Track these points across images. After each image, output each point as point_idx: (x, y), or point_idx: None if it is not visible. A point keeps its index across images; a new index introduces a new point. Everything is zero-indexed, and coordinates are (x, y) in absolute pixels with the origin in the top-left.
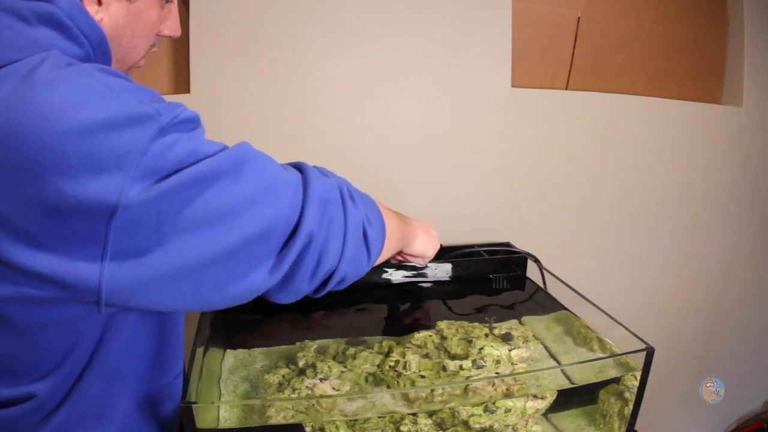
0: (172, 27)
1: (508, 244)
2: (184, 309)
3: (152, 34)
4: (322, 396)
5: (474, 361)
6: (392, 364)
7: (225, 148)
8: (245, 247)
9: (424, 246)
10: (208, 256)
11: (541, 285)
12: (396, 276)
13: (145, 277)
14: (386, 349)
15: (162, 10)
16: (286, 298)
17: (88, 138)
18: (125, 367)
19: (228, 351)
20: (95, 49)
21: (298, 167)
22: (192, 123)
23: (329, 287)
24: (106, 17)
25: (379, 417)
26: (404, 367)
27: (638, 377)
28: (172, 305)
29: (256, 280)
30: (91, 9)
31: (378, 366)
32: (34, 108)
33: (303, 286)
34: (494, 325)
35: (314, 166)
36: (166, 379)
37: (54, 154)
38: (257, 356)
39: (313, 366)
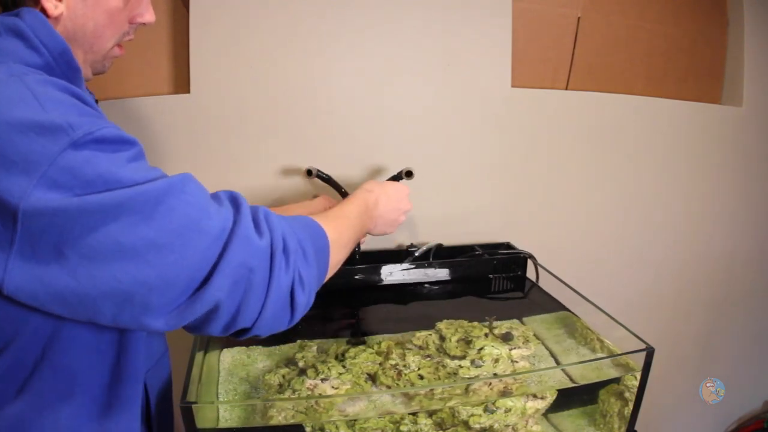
0: (143, 14)
1: (508, 245)
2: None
3: (119, 21)
4: (322, 396)
5: (473, 361)
6: (392, 364)
7: (151, 179)
8: (140, 292)
9: (378, 232)
10: (101, 290)
11: (540, 283)
12: (396, 276)
13: (41, 290)
14: (386, 349)
15: None
16: (198, 335)
17: (1, 137)
18: (82, 370)
19: (227, 351)
20: (56, 58)
21: (235, 208)
22: (115, 144)
23: (245, 337)
24: (65, 10)
25: (379, 417)
26: (404, 368)
27: (638, 377)
28: (72, 318)
29: (152, 326)
30: (50, 5)
31: (379, 365)
32: None
33: (214, 334)
34: (494, 324)
35: (256, 211)
36: (125, 390)
37: None
38: (257, 356)
39: (314, 366)
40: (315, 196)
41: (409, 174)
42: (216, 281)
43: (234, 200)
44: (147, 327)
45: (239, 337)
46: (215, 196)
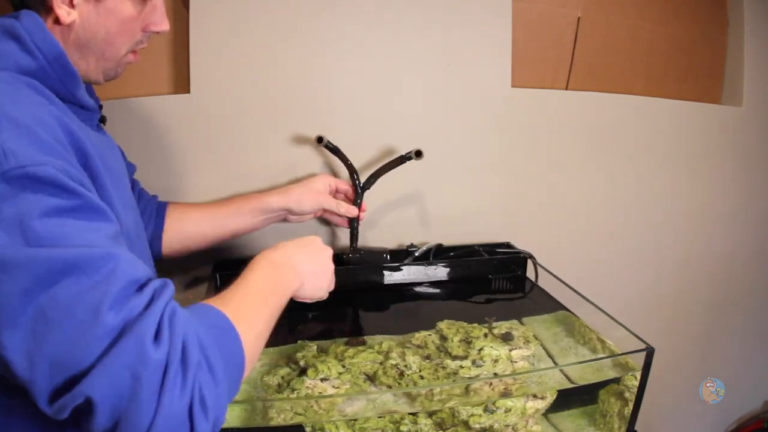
0: (157, 23)
1: (508, 245)
2: None
3: (132, 30)
4: (322, 396)
5: (474, 361)
6: (392, 364)
7: (68, 245)
8: (22, 366)
9: (309, 293)
10: None
11: (540, 283)
12: (396, 276)
13: None
14: (386, 350)
15: (141, 6)
16: None
17: None
18: None
19: None
20: (50, 62)
21: (149, 301)
22: (49, 187)
23: None
24: (78, 18)
25: (379, 417)
26: (404, 368)
27: (638, 377)
28: None
29: (42, 408)
30: (62, 12)
31: (379, 365)
32: None
33: None
34: (494, 325)
35: (164, 309)
36: None
37: None
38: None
39: (314, 366)
40: (335, 175)
41: (418, 154)
42: (92, 377)
43: (158, 292)
44: (41, 408)
45: None
46: (144, 284)
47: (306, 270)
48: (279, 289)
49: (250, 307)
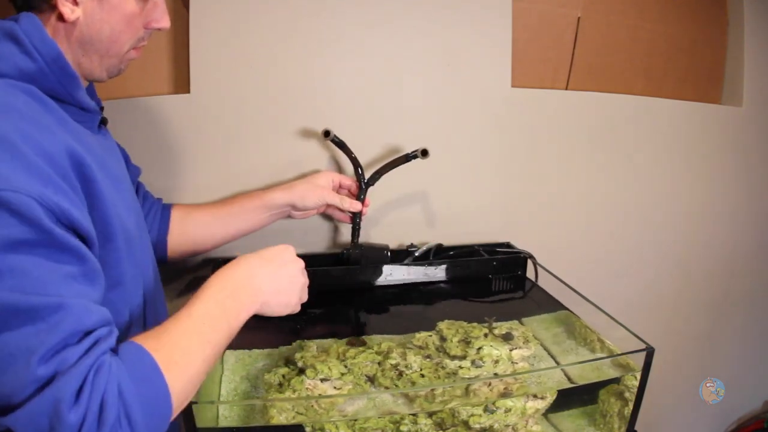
0: (159, 19)
1: (508, 244)
2: None
3: (135, 26)
4: (322, 396)
5: (474, 361)
6: (392, 364)
7: (14, 290)
8: None
9: (276, 310)
10: None
11: (540, 283)
12: (396, 276)
13: None
14: (386, 350)
15: (143, 3)
16: None
17: None
18: None
19: (228, 351)
20: (49, 64)
21: (79, 356)
22: (13, 217)
23: None
24: (82, 16)
25: (379, 417)
26: (405, 368)
27: (638, 377)
28: None
29: None
30: (66, 9)
31: (379, 364)
32: None
33: None
34: (494, 325)
35: (91, 365)
36: None
37: None
38: (257, 356)
39: (314, 366)
40: (342, 172)
41: (424, 153)
42: (17, 414)
43: (98, 342)
44: None
45: None
46: (90, 331)
47: (269, 289)
48: (229, 317)
49: (188, 347)
